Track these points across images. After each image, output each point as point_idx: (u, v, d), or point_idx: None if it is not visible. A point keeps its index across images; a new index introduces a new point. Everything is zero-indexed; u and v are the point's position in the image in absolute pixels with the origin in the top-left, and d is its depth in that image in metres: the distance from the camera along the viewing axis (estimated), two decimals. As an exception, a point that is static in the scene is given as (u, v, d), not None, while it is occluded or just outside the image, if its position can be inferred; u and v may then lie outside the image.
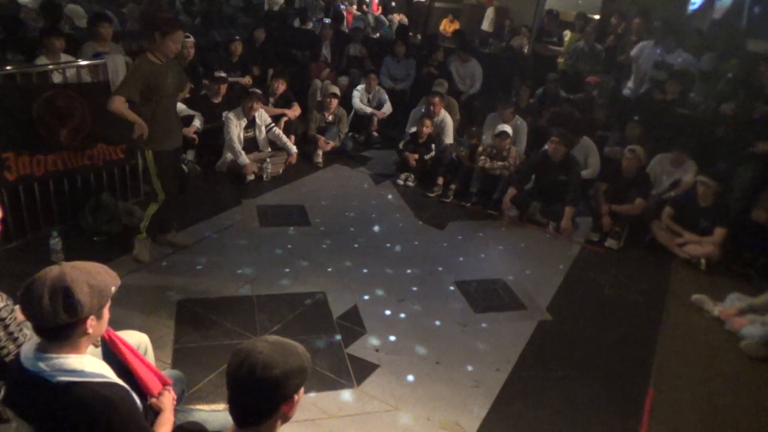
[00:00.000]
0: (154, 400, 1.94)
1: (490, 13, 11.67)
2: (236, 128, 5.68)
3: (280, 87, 6.50)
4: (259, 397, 1.42)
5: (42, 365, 1.57)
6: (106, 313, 1.68)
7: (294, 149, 6.04)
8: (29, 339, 1.70)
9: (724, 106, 6.17)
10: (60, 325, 1.56)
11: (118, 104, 3.58)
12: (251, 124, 5.83)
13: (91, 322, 1.61)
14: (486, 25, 11.54)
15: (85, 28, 7.06)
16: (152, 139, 3.75)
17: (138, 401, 1.70)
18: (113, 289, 1.66)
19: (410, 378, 3.20)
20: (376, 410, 2.94)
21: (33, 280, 1.57)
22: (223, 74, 6.12)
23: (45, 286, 1.54)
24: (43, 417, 1.60)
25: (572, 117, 6.28)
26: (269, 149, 6.02)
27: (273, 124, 6.01)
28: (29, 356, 1.60)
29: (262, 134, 5.91)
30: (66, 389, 1.55)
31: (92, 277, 1.60)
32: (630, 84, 7.21)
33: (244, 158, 5.64)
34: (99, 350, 1.99)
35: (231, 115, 5.69)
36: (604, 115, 6.85)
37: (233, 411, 1.45)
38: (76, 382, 1.56)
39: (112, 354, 1.91)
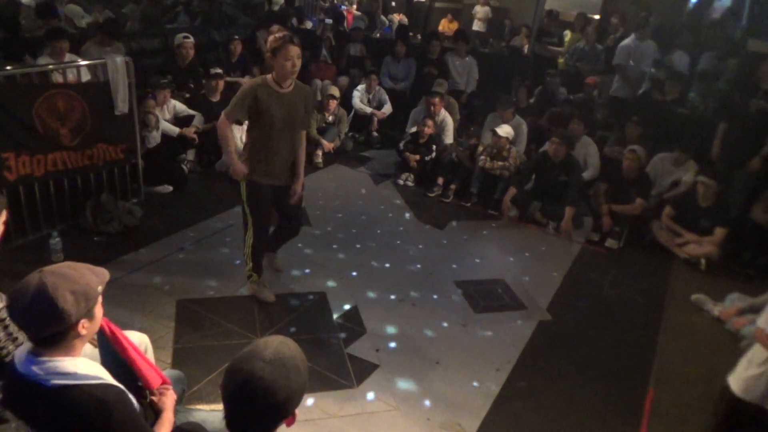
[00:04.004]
0: (155, 398, 1.94)
1: (478, 12, 11.49)
2: (239, 132, 5.66)
3: None
4: (260, 420, 1.38)
5: (36, 369, 1.55)
6: (98, 312, 1.64)
7: None
8: (28, 340, 1.69)
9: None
10: (50, 334, 1.54)
11: (223, 127, 3.33)
12: None
13: (83, 325, 1.58)
14: (477, 25, 11.41)
15: (84, 28, 7.06)
16: (249, 169, 3.41)
17: (135, 402, 1.70)
18: (100, 288, 1.61)
19: (410, 378, 3.20)
20: (376, 410, 2.94)
21: (15, 292, 1.53)
22: (218, 70, 6.10)
23: (27, 298, 1.50)
24: (40, 420, 1.59)
25: (569, 117, 6.27)
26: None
27: None
28: (23, 360, 1.58)
29: None
30: (61, 393, 1.54)
31: (74, 283, 1.54)
32: (617, 84, 7.14)
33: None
34: (97, 350, 1.99)
35: None
36: (603, 115, 6.85)
37: (231, 424, 1.42)
38: (70, 385, 1.54)
39: (110, 350, 1.90)
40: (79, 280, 1.56)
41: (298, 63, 3.27)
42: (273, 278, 4.01)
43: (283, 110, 3.31)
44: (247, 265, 3.70)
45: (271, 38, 3.27)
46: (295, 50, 3.22)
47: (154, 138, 5.24)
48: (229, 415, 1.40)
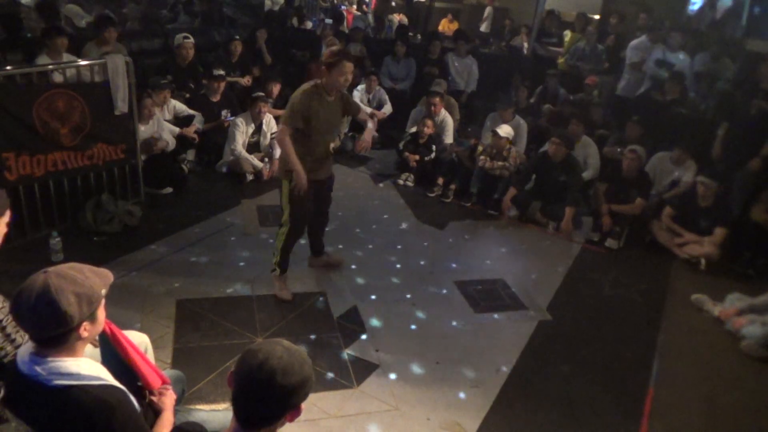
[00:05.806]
0: (154, 398, 1.94)
1: (488, 13, 11.59)
2: (242, 135, 5.67)
3: (274, 90, 6.50)
4: (272, 404, 1.40)
5: (38, 369, 1.55)
6: (100, 314, 1.65)
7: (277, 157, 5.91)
8: (27, 341, 1.69)
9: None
10: (51, 335, 1.54)
11: (284, 137, 3.42)
12: (258, 129, 5.82)
13: (85, 327, 1.58)
14: (484, 27, 11.48)
15: (84, 28, 7.06)
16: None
17: (136, 403, 1.70)
18: (103, 291, 1.62)
19: (410, 378, 3.20)
20: (376, 410, 2.94)
21: (19, 293, 1.53)
22: (221, 72, 6.11)
23: (31, 300, 1.50)
24: (42, 420, 1.60)
25: (569, 117, 6.28)
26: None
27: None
28: (25, 360, 1.58)
29: (266, 140, 5.89)
30: (63, 393, 1.54)
31: (78, 285, 1.54)
32: (623, 83, 7.18)
33: (246, 156, 5.65)
34: (98, 350, 1.99)
35: (239, 121, 5.66)
36: (601, 114, 6.85)
37: (238, 411, 1.43)
38: (72, 385, 1.55)
39: (111, 350, 1.90)
40: (84, 282, 1.57)
41: (350, 78, 3.49)
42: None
43: (327, 116, 3.54)
44: (275, 257, 3.79)
45: (327, 52, 3.48)
46: (350, 66, 3.43)
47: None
48: (239, 400, 1.42)
